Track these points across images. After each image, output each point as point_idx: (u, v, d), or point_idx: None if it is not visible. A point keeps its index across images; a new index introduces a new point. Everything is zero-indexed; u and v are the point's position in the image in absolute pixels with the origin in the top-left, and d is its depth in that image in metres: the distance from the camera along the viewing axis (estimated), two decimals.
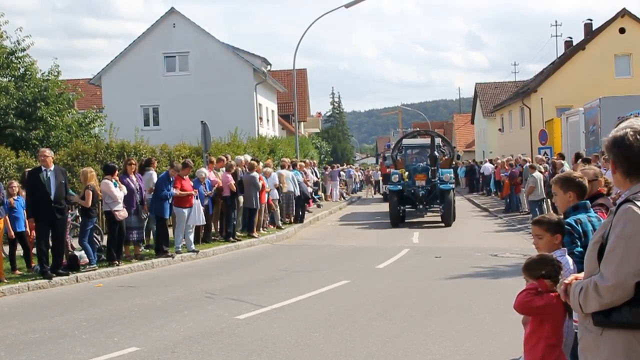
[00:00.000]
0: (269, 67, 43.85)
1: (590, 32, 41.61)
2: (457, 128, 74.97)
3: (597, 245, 3.16)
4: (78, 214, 14.37)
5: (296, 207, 22.37)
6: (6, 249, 13.33)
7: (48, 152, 12.60)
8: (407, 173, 22.88)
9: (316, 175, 31.59)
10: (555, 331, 4.33)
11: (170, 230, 15.61)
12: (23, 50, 24.87)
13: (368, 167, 58.79)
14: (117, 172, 14.03)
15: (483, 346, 7.54)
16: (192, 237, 15.45)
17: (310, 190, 26.49)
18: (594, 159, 15.25)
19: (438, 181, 22.14)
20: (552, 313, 4.29)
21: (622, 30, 39.07)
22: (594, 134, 22.48)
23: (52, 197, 12.10)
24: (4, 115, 23.33)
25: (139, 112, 37.71)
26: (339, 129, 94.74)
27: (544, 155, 25.43)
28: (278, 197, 20.84)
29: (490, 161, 38.60)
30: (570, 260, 4.62)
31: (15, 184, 13.37)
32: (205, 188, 16.32)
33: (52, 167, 12.37)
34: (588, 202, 5.03)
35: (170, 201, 14.75)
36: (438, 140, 25.03)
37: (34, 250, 13.32)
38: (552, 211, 18.90)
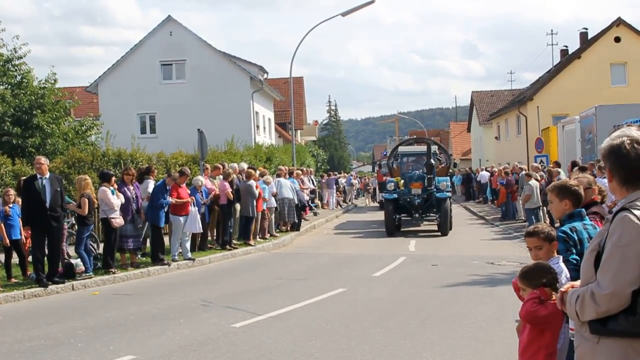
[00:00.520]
0: (265, 75, 43.90)
1: (586, 41, 41.79)
2: (453, 136, 75.08)
3: (593, 253, 3.17)
4: (74, 222, 14.35)
5: (293, 215, 22.35)
6: (1, 257, 13.30)
7: (43, 159, 12.57)
8: (402, 181, 22.63)
9: (313, 184, 31.59)
10: (555, 339, 4.34)
11: (166, 238, 15.58)
12: (20, 58, 24.90)
13: (365, 176, 58.77)
14: (113, 179, 14.01)
15: (479, 354, 7.54)
16: (188, 245, 15.43)
17: (307, 198, 26.50)
18: (590, 167, 15.28)
19: (434, 189, 21.83)
20: (553, 321, 4.30)
21: (617, 39, 39.23)
22: (590, 142, 22.52)
23: (47, 204, 12.07)
24: (1, 122, 23.32)
25: (135, 119, 37.71)
26: (335, 137, 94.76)
27: (540, 163, 25.47)
28: (275, 205, 20.83)
29: (486, 169, 38.70)
30: (564, 267, 4.62)
31: (12, 191, 13.35)
32: (202, 196, 16.31)
33: (47, 175, 12.35)
34: (583, 210, 5.05)
35: (165, 210, 14.74)
36: (434, 148, 24.71)
37: (30, 258, 13.29)
38: (548, 219, 18.95)
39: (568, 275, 4.54)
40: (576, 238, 4.79)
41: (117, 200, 13.56)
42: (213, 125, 30.69)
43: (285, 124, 51.51)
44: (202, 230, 16.29)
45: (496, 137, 52.17)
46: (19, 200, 13.06)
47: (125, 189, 14.17)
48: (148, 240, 15.92)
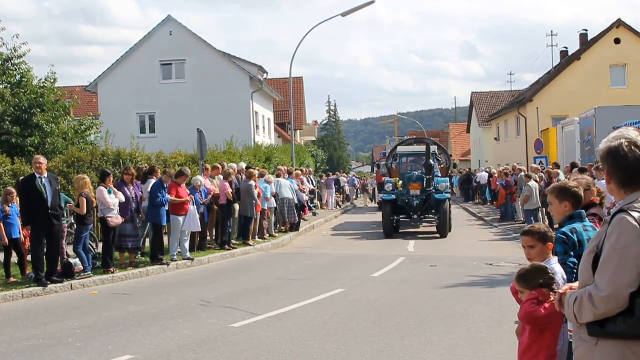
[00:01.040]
0: (265, 76, 43.90)
1: (586, 43, 41.83)
2: (453, 137, 75.13)
3: (591, 255, 3.17)
4: (73, 221, 14.35)
5: (293, 215, 22.35)
6: (1, 256, 13.30)
7: (42, 159, 12.57)
8: (401, 182, 22.30)
9: (312, 184, 31.59)
10: (555, 340, 4.34)
11: (165, 238, 15.58)
12: (20, 57, 24.90)
13: (365, 176, 58.76)
14: (110, 177, 13.97)
15: (478, 355, 7.54)
16: (187, 245, 15.43)
17: (306, 198, 26.50)
18: (589, 168, 15.29)
19: (433, 190, 21.43)
20: (553, 322, 4.30)
21: (617, 41, 39.26)
22: (590, 144, 22.54)
23: (49, 204, 12.08)
24: (0, 122, 23.31)
25: (135, 119, 37.72)
26: (335, 137, 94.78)
27: (539, 164, 25.48)
28: (275, 206, 20.83)
29: (485, 170, 38.72)
30: (560, 269, 4.61)
31: (14, 191, 13.33)
32: (201, 196, 16.31)
33: (46, 174, 12.35)
34: (583, 211, 5.05)
35: (167, 208, 14.73)
36: (434, 149, 24.38)
37: (29, 258, 13.29)
38: (547, 220, 18.96)
39: (565, 277, 4.54)
40: (576, 240, 4.79)
41: (114, 200, 13.56)
42: (212, 125, 30.72)
43: (284, 124, 51.54)
44: (201, 229, 16.28)
45: (496, 138, 52.20)
46: (17, 199, 13.05)
47: (125, 188, 14.17)
48: (147, 240, 15.92)
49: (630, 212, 3.03)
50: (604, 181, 3.56)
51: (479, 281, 12.65)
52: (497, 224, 25.06)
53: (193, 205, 15.36)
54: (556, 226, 5.05)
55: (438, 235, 21.35)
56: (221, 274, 14.33)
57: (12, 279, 12.72)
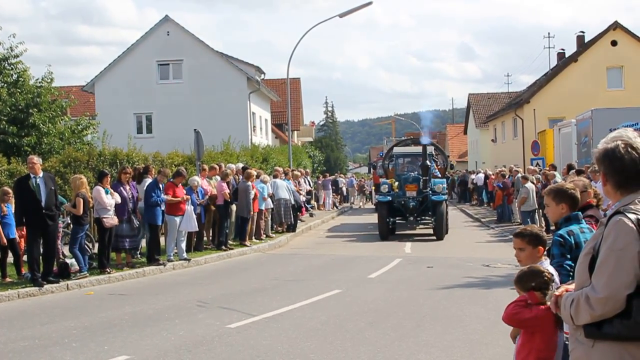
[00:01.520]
0: (262, 76, 43.92)
1: (583, 45, 41.92)
2: (450, 138, 75.23)
3: (588, 257, 3.17)
4: (69, 221, 14.33)
5: (290, 216, 22.34)
6: None
7: (36, 159, 12.51)
8: (397, 183, 21.96)
9: (309, 185, 31.59)
10: (547, 344, 4.31)
11: (162, 239, 15.56)
12: (16, 56, 24.85)
13: (362, 177, 58.78)
14: (108, 178, 13.96)
15: (474, 356, 7.55)
16: (184, 245, 15.41)
17: (303, 199, 26.49)
18: (586, 170, 15.31)
19: (430, 192, 21.11)
20: (541, 325, 4.28)
21: (614, 43, 39.34)
22: (586, 146, 22.57)
23: (43, 204, 12.05)
24: None
25: (132, 119, 37.69)
26: (332, 138, 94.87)
27: (536, 166, 25.51)
28: (272, 206, 20.83)
29: (480, 172, 38.81)
30: (552, 271, 4.59)
31: (10, 191, 13.30)
32: (198, 196, 16.30)
33: (40, 174, 12.31)
34: (580, 213, 5.04)
35: (162, 208, 14.71)
36: (430, 149, 24.13)
37: (25, 258, 13.27)
38: (543, 222, 18.98)
39: (557, 280, 4.51)
40: (573, 242, 4.77)
41: (110, 200, 13.53)
42: (210, 125, 30.73)
43: (282, 124, 51.52)
44: (197, 229, 16.27)
45: (493, 140, 52.25)
46: (12, 199, 13.03)
47: (122, 188, 14.15)
48: (144, 241, 15.90)
49: (627, 214, 3.04)
50: (600, 183, 3.56)
51: (475, 282, 12.65)
52: (493, 226, 25.08)
53: (190, 205, 15.34)
54: (552, 228, 5.05)
55: (434, 238, 21.05)
56: (218, 275, 14.32)
57: (8, 279, 12.70)
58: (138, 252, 15.50)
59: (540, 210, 19.98)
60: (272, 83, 49.75)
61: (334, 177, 44.57)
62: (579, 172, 14.56)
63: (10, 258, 13.25)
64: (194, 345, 8.08)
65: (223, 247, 17.22)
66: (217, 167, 18.49)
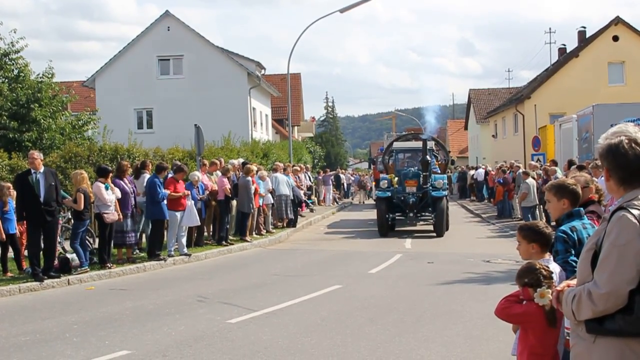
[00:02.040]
0: (263, 71, 43.86)
1: (584, 40, 41.80)
2: (450, 134, 75.14)
3: (590, 252, 3.16)
4: (70, 217, 14.33)
5: (290, 211, 22.34)
6: None
7: (37, 154, 12.53)
8: (396, 179, 21.66)
9: (309, 180, 31.59)
10: (540, 340, 4.30)
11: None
12: (17, 52, 24.80)
13: (362, 173, 58.76)
14: (110, 174, 13.97)
15: (475, 352, 7.55)
16: (184, 240, 15.41)
17: (303, 194, 26.49)
18: (587, 165, 15.28)
19: (430, 188, 20.79)
20: (532, 322, 4.29)
21: (615, 38, 39.28)
22: (587, 141, 22.55)
23: (41, 199, 12.05)
24: None
25: (132, 115, 37.67)
26: (332, 133, 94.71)
27: (537, 161, 25.48)
28: (272, 202, 20.84)
29: (480, 167, 38.87)
30: (556, 268, 4.59)
31: (10, 186, 13.30)
32: (198, 191, 16.29)
33: (41, 169, 12.31)
34: (582, 209, 5.03)
35: (165, 203, 14.72)
36: (431, 144, 23.78)
37: (26, 253, 13.29)
38: (544, 217, 18.98)
39: (559, 276, 4.50)
40: (576, 238, 4.76)
41: (110, 196, 13.53)
42: (210, 120, 30.70)
43: (282, 120, 51.45)
44: (199, 224, 16.27)
45: (493, 135, 52.20)
46: (14, 194, 13.03)
47: (123, 183, 14.15)
48: (144, 236, 15.91)
49: (630, 210, 3.03)
50: (602, 178, 3.55)
51: (475, 278, 12.66)
52: (494, 221, 25.07)
53: (190, 200, 15.34)
54: (553, 223, 5.04)
55: (434, 235, 20.68)
56: (218, 270, 14.33)
57: (9, 274, 12.71)
58: (137, 248, 15.50)
59: (541, 206, 19.97)
60: (272, 78, 49.68)
61: (335, 172, 44.65)
62: (580, 168, 14.53)
63: (10, 253, 13.26)
64: (195, 340, 8.08)
65: (223, 243, 17.23)
66: (218, 163, 18.49)
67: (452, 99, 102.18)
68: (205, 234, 17.59)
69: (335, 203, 37.34)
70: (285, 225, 22.09)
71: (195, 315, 9.59)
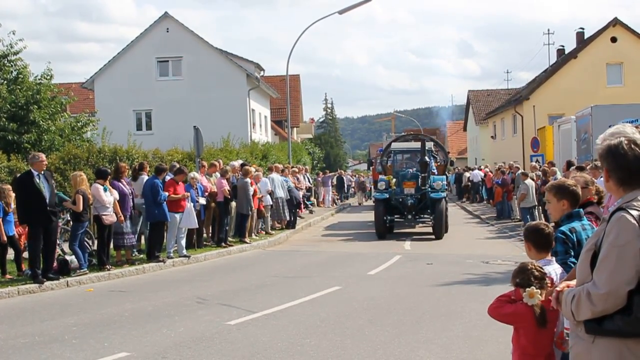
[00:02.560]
0: (262, 73, 43.87)
1: (583, 41, 41.86)
2: (449, 135, 75.19)
3: (589, 253, 3.17)
4: (69, 218, 14.33)
5: (288, 212, 22.33)
6: None
7: (44, 156, 12.64)
8: (394, 180, 21.29)
9: (309, 181, 31.59)
10: (530, 341, 4.32)
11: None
12: (16, 53, 24.79)
13: (360, 174, 58.75)
14: (109, 177, 13.98)
15: (474, 353, 7.55)
16: (183, 242, 15.40)
17: (302, 195, 26.47)
18: (587, 166, 15.28)
19: (429, 189, 20.50)
20: (522, 322, 4.31)
21: (613, 39, 39.33)
22: (586, 142, 22.56)
23: (47, 201, 12.11)
24: None
25: (131, 116, 37.65)
26: (331, 135, 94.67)
27: (536, 162, 25.50)
28: (271, 203, 20.83)
29: (478, 168, 38.88)
30: (554, 270, 4.59)
31: (10, 188, 13.29)
32: (197, 193, 16.28)
33: (42, 172, 12.36)
34: (581, 210, 5.04)
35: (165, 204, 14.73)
36: (430, 145, 23.52)
37: (25, 254, 13.28)
38: (543, 218, 18.99)
39: (560, 277, 4.50)
40: (575, 239, 4.77)
41: (108, 198, 13.53)
42: (209, 122, 30.70)
43: (281, 121, 51.46)
44: (198, 226, 16.26)
45: (492, 137, 52.23)
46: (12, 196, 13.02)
47: (121, 185, 14.15)
48: (142, 237, 15.91)
49: (629, 210, 3.03)
50: (602, 179, 3.56)
51: (475, 279, 12.66)
52: (493, 222, 25.08)
53: (189, 202, 15.34)
54: (552, 224, 5.04)
55: (433, 237, 20.30)
56: (217, 272, 14.32)
57: (7, 276, 12.70)
58: (136, 250, 15.50)
59: (540, 207, 19.98)
60: (271, 80, 49.67)
61: (338, 174, 44.68)
62: (580, 169, 14.53)
63: (10, 255, 13.25)
64: (194, 342, 8.08)
65: (223, 244, 17.22)
66: (217, 164, 18.49)
67: (451, 100, 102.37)
68: (205, 235, 17.58)
69: (334, 204, 37.34)
70: (284, 226, 22.08)
71: (194, 316, 9.58)
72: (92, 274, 13.03)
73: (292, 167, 27.02)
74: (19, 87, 24.16)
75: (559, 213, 4.98)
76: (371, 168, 40.86)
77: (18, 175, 13.72)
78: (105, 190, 13.51)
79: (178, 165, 16.20)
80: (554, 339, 4.38)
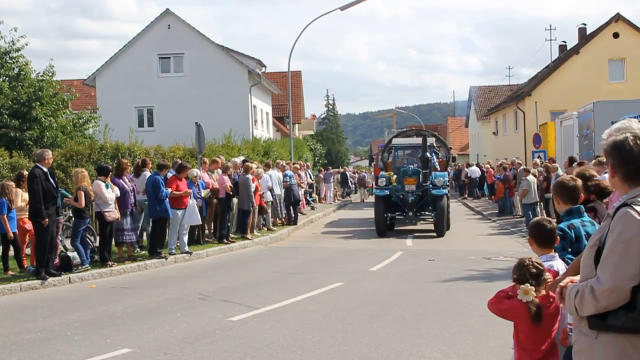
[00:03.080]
0: (263, 69, 43.85)
1: (585, 37, 41.80)
2: (451, 131, 75.16)
3: (593, 248, 3.16)
4: (71, 215, 14.34)
5: (288, 209, 22.33)
6: None
7: (50, 153, 12.80)
8: (395, 176, 20.86)
9: (310, 178, 31.58)
10: (527, 337, 4.33)
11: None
12: (17, 50, 24.81)
13: (363, 169, 58.76)
14: (111, 173, 13.99)
15: (475, 349, 7.55)
16: (186, 238, 15.42)
17: (303, 192, 26.47)
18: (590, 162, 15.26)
19: (430, 186, 20.06)
20: (518, 318, 4.33)
21: (616, 35, 39.26)
22: (588, 138, 22.52)
23: (58, 197, 12.47)
24: None
25: (133, 113, 37.67)
26: (333, 131, 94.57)
27: (538, 158, 25.47)
28: (271, 200, 20.83)
29: (478, 165, 38.88)
30: (557, 265, 4.59)
31: (14, 184, 13.29)
32: (199, 189, 16.29)
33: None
34: (582, 206, 5.04)
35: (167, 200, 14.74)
36: (431, 141, 23.21)
37: (27, 251, 13.30)
38: (544, 214, 18.98)
39: (561, 272, 4.51)
40: (573, 235, 4.78)
41: (111, 194, 13.54)
42: (211, 118, 30.70)
43: (283, 117, 51.47)
44: (200, 222, 16.28)
45: (494, 133, 52.20)
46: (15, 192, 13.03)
47: (122, 181, 14.17)
48: (144, 234, 15.92)
49: (634, 206, 3.03)
50: (606, 175, 3.56)
51: (476, 275, 12.66)
52: (495, 218, 25.08)
53: (192, 199, 15.35)
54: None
55: (435, 234, 19.93)
56: (219, 268, 14.34)
57: (10, 272, 12.72)
58: (138, 246, 15.51)
59: (542, 203, 19.98)
60: (273, 76, 49.65)
61: (342, 170, 44.68)
62: (582, 165, 14.52)
63: (10, 252, 13.26)
64: (196, 338, 8.09)
65: (225, 240, 17.24)
66: (219, 161, 18.49)
67: (453, 96, 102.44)
68: (207, 231, 17.60)
69: (337, 200, 37.34)
70: (285, 223, 22.09)
71: (196, 313, 9.59)
72: (94, 271, 13.05)
73: (294, 164, 27.00)
74: (20, 84, 24.19)
75: (562, 210, 5.02)
76: (372, 164, 40.84)
77: (26, 171, 13.64)
78: (107, 186, 13.53)
79: (180, 162, 16.19)
80: (558, 334, 4.38)
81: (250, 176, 18.18)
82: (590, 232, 4.73)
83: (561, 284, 3.43)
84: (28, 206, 12.58)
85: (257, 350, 7.52)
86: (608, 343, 3.07)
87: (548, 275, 4.28)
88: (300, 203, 25.78)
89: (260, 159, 26.68)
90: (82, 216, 13.16)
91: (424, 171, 20.19)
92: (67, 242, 14.30)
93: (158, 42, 37.48)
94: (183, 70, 37.94)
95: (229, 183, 17.32)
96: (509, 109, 45.86)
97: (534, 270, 4.27)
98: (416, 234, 20.75)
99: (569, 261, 4.58)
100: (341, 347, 7.65)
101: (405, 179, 20.39)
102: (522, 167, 23.07)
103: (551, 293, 4.08)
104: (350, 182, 44.73)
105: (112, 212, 13.53)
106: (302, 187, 26.64)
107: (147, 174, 15.36)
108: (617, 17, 39.48)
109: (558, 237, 4.75)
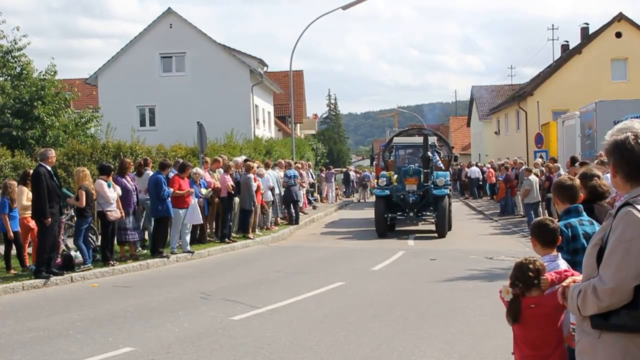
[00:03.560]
0: (265, 69, 43.87)
1: (587, 36, 41.76)
2: (453, 131, 75.14)
3: (596, 248, 3.16)
4: (73, 214, 14.36)
5: (288, 208, 22.31)
6: (0, 248, 13.26)
7: (53, 152, 12.88)
8: (396, 176, 20.50)
9: (312, 177, 31.58)
10: (518, 336, 4.41)
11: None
12: (19, 49, 24.84)
13: (364, 169, 58.74)
14: (112, 172, 14.00)
15: (477, 349, 7.55)
16: (188, 238, 15.42)
17: (305, 191, 26.46)
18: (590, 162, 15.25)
19: (431, 186, 19.71)
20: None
21: (618, 35, 39.23)
22: (590, 138, 22.52)
23: (60, 193, 12.54)
24: (1, 114, 23.30)
25: (135, 112, 37.70)
26: (335, 130, 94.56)
27: (539, 157, 25.46)
28: (272, 199, 20.83)
29: (476, 164, 38.87)
30: (559, 265, 4.58)
31: (16, 183, 13.30)
32: (200, 187, 16.28)
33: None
34: (580, 206, 5.04)
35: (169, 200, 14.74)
36: (433, 140, 22.82)
37: (29, 250, 13.31)
38: (547, 214, 18.96)
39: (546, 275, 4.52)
40: (570, 234, 4.78)
41: (112, 193, 13.54)
42: (212, 118, 30.70)
43: (284, 117, 51.51)
44: (202, 222, 16.28)
45: (496, 132, 52.19)
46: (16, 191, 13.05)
47: (125, 180, 14.17)
48: (146, 233, 15.92)
49: (636, 206, 3.03)
50: (608, 175, 3.56)
51: (478, 275, 12.65)
52: (497, 218, 25.06)
53: (194, 198, 15.35)
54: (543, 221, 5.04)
55: (436, 235, 19.49)
56: (221, 267, 14.34)
57: (12, 271, 12.73)
58: (141, 245, 15.52)
59: (544, 203, 19.96)
60: (274, 75, 49.68)
61: (345, 169, 44.63)
62: (584, 164, 14.51)
63: (13, 250, 13.26)
64: (198, 337, 8.10)
65: (226, 240, 17.24)
66: (221, 160, 18.49)
67: (455, 95, 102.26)
68: (208, 231, 17.60)
69: (338, 200, 37.33)
70: (287, 222, 22.09)
71: (198, 312, 9.60)
72: (96, 270, 13.06)
73: (296, 163, 27.00)
74: (23, 83, 24.23)
75: (560, 210, 5.03)
76: (374, 164, 40.79)
77: (31, 169, 13.55)
78: (109, 186, 13.54)
79: (182, 161, 16.20)
80: (563, 334, 4.38)
81: (251, 175, 18.19)
82: (589, 232, 4.73)
83: (564, 283, 3.44)
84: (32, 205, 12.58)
85: (259, 350, 7.52)
86: (611, 342, 3.08)
87: (545, 276, 4.28)
88: (302, 203, 25.78)
89: (262, 159, 26.68)
90: (84, 215, 13.17)
91: (425, 171, 19.92)
92: (69, 241, 14.31)
93: (160, 42, 37.50)
94: (185, 69, 37.95)
95: (230, 182, 17.32)
96: (511, 108, 45.84)
97: (530, 273, 4.28)
98: (417, 234, 20.61)
99: (564, 260, 4.60)
100: (343, 346, 7.65)
101: (406, 178, 20.01)
102: (524, 167, 23.03)
103: (546, 292, 4.13)
104: (352, 181, 44.73)
105: (114, 212, 13.53)
106: (304, 187, 26.62)
107: (150, 173, 15.36)
108: (620, 17, 39.44)
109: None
